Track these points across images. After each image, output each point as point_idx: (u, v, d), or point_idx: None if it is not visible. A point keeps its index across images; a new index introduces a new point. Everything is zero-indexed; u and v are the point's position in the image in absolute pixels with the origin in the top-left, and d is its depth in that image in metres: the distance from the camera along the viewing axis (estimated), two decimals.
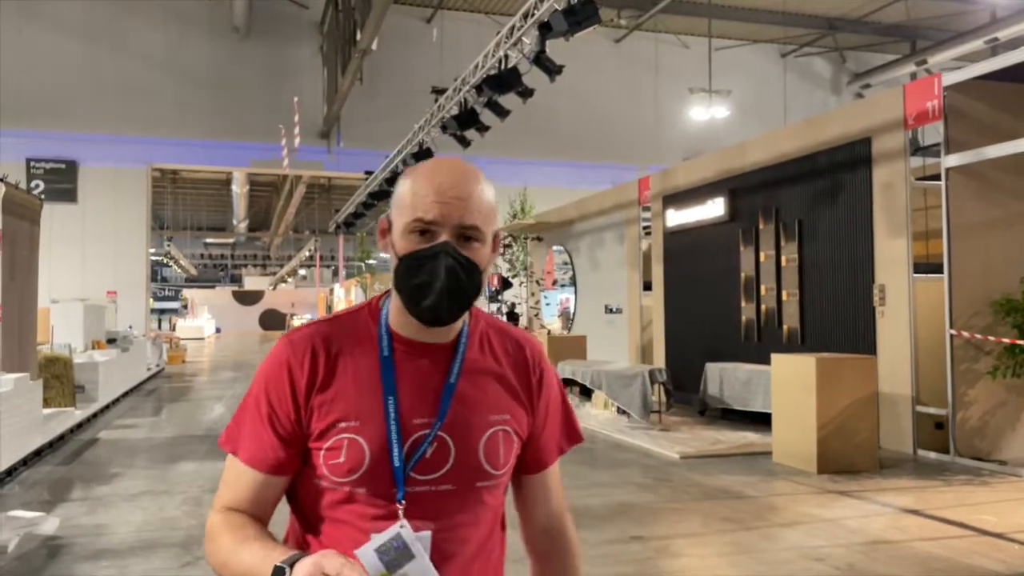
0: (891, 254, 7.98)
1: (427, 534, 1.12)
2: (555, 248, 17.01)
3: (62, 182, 22.63)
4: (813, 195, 9.13)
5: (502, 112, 9.47)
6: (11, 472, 6.72)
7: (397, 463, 1.13)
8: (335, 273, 50.90)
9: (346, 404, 1.15)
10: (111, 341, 13.48)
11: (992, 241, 7.51)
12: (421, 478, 1.15)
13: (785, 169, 9.59)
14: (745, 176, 10.29)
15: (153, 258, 54.05)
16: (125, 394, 13.08)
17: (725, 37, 25.87)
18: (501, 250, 1.45)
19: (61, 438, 8.66)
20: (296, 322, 31.68)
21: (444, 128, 10.70)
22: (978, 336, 7.26)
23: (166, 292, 58.55)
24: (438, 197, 1.12)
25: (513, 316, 16.85)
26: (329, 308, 36.83)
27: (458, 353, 1.21)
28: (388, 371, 1.17)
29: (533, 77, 9.27)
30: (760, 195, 10.00)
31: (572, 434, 1.37)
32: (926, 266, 8.11)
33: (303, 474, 1.18)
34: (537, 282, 17.35)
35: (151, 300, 51.89)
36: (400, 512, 1.13)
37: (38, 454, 7.66)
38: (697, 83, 23.90)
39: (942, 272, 7.52)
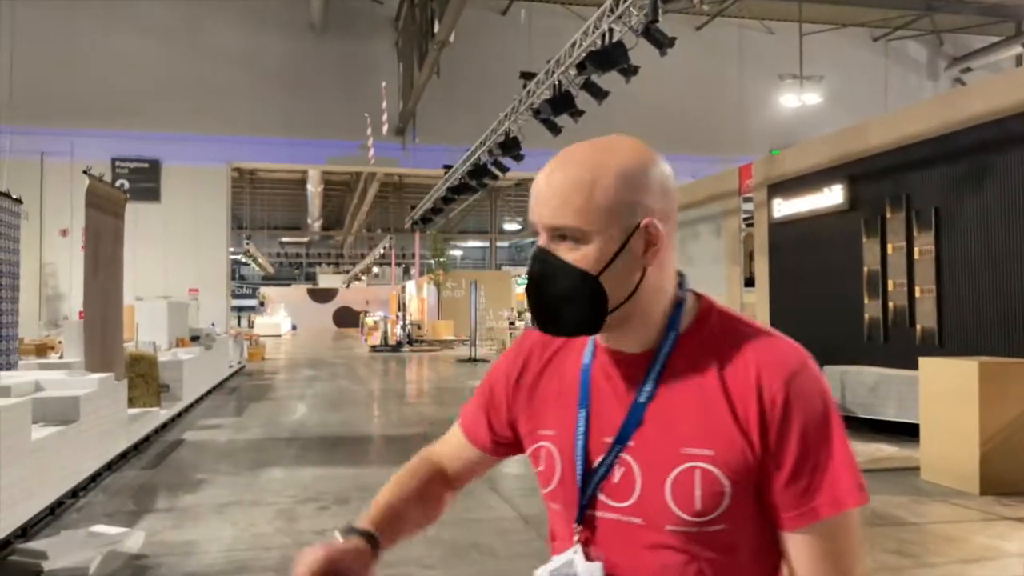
0: None
1: (598, 565, 1.01)
2: None
3: (146, 181, 22.96)
4: (952, 180, 8.18)
5: (600, 93, 8.79)
6: (95, 477, 6.39)
7: (579, 482, 1.04)
8: (406, 271, 51.05)
9: (547, 411, 1.12)
10: (195, 339, 13.32)
11: None
12: (610, 503, 1.02)
13: (916, 151, 8.63)
14: (867, 160, 9.35)
15: (232, 256, 55.42)
16: (208, 392, 12.91)
17: (812, 21, 24.59)
18: (655, 244, 0.83)
19: (146, 439, 8.38)
20: (370, 320, 31.57)
21: (537, 113, 10.07)
22: None
23: (244, 290, 59.93)
24: (533, 199, 1.02)
25: None
26: (401, 305, 36.72)
27: (655, 365, 1.03)
28: (585, 381, 1.08)
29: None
30: (886, 181, 9.06)
31: (813, 500, 0.95)
32: None
33: None
34: None
35: (230, 298, 53.13)
36: (576, 536, 1.04)
37: (123, 457, 7.35)
38: (784, 70, 22.81)
39: None
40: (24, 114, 21.27)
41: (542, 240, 1.01)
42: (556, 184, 0.99)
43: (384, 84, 17.98)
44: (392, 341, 27.36)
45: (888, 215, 8.95)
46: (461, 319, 29.95)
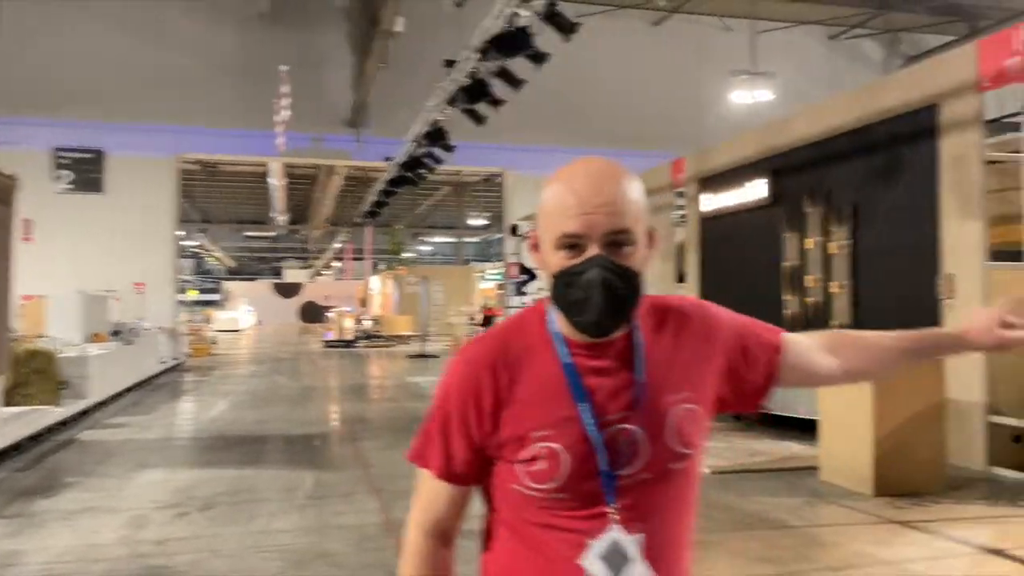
0: (961, 239, 6.85)
1: (640, 537, 1.15)
2: None
3: (89, 172, 22.37)
4: (868, 173, 8.01)
5: (515, 82, 8.52)
6: None
7: (604, 467, 1.15)
8: (376, 266, 50.54)
9: (535, 415, 1.17)
10: (115, 334, 12.88)
11: None
12: (622, 473, 1.16)
13: (836, 144, 8.47)
14: (790, 153, 9.18)
15: (194, 250, 54.38)
16: (130, 389, 12.51)
17: (770, 19, 24.54)
18: (655, 243, 1.19)
19: (35, 438, 7.99)
20: (333, 315, 31.02)
21: (452, 102, 9.78)
22: None
23: (208, 284, 59.20)
24: (581, 208, 1.11)
25: None
26: (363, 301, 36.23)
27: (638, 348, 1.20)
28: (574, 378, 1.18)
29: (562, 50, 8.37)
30: (807, 174, 8.89)
31: (770, 331, 1.34)
32: (1004, 253, 6.97)
33: (501, 484, 1.21)
34: None
35: (194, 292, 52.15)
36: (612, 516, 1.15)
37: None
38: (740, 67, 22.74)
39: (1022, 260, 6.40)
40: None
41: (595, 249, 1.11)
42: (611, 192, 1.12)
43: (284, 68, 17.48)
44: (347, 336, 26.97)
45: (808, 209, 8.78)
46: (420, 314, 29.64)
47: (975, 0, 23.28)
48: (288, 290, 55.16)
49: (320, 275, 56.37)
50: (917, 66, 9.12)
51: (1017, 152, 6.62)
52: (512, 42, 7.56)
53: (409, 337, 28.89)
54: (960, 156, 6.90)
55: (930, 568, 4.28)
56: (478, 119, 9.88)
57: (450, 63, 9.94)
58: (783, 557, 4.44)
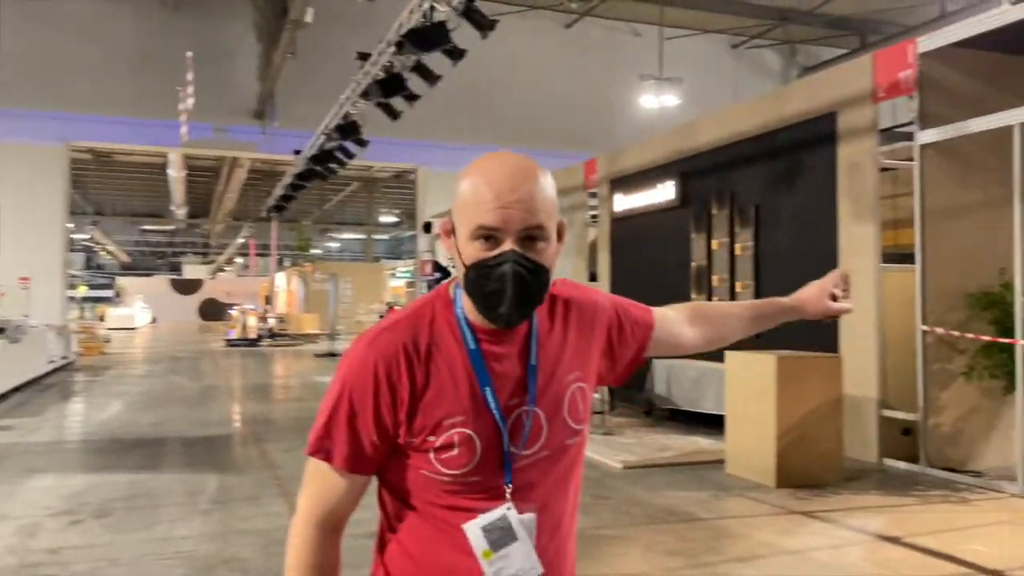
0: (856, 241, 7.19)
1: (532, 516, 1.20)
2: None
3: None
4: (771, 177, 8.32)
5: (431, 77, 8.43)
6: None
7: (507, 448, 1.20)
8: (281, 262, 49.20)
9: (448, 401, 1.19)
10: (0, 331, 12.08)
11: (969, 228, 6.75)
12: (525, 453, 1.22)
13: (741, 149, 8.76)
14: (698, 157, 9.44)
15: (85, 244, 51.60)
16: (16, 389, 11.76)
17: (677, 26, 25.20)
18: (564, 238, 1.25)
19: None
20: (236, 313, 29.87)
21: (366, 95, 9.60)
22: (953, 333, 6.52)
23: (100, 280, 56.39)
24: (498, 202, 1.14)
25: None
26: (267, 298, 35.21)
27: (533, 334, 1.26)
28: (479, 363, 1.21)
29: (475, 48, 8.35)
30: (714, 177, 9.16)
31: (643, 311, 1.45)
32: (896, 256, 7.35)
33: (407, 469, 1.22)
34: None
35: (84, 288, 49.49)
36: (507, 494, 1.20)
37: None
38: (648, 72, 23.26)
39: (913, 262, 6.77)
40: None
41: (508, 244, 1.14)
42: (527, 189, 1.15)
43: (190, 55, 16.86)
44: (251, 335, 26.13)
45: (714, 212, 9.05)
46: (328, 312, 29.03)
47: (866, 15, 24.51)
48: (187, 287, 53.13)
49: (222, 271, 54.50)
50: (817, 75, 9.51)
51: (909, 160, 6.99)
52: (429, 37, 7.47)
53: (316, 336, 28.27)
54: (856, 163, 7.24)
55: (831, 556, 4.47)
56: (393, 114, 9.74)
57: (364, 56, 9.75)
58: (693, 549, 4.54)
